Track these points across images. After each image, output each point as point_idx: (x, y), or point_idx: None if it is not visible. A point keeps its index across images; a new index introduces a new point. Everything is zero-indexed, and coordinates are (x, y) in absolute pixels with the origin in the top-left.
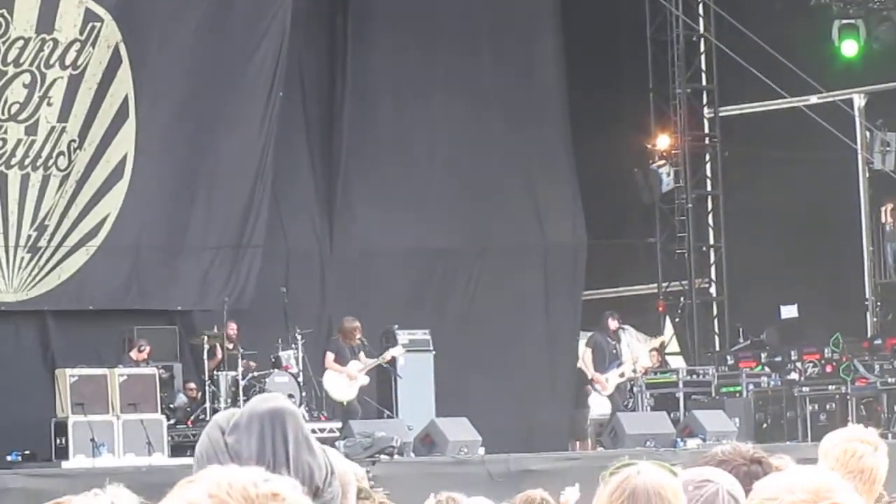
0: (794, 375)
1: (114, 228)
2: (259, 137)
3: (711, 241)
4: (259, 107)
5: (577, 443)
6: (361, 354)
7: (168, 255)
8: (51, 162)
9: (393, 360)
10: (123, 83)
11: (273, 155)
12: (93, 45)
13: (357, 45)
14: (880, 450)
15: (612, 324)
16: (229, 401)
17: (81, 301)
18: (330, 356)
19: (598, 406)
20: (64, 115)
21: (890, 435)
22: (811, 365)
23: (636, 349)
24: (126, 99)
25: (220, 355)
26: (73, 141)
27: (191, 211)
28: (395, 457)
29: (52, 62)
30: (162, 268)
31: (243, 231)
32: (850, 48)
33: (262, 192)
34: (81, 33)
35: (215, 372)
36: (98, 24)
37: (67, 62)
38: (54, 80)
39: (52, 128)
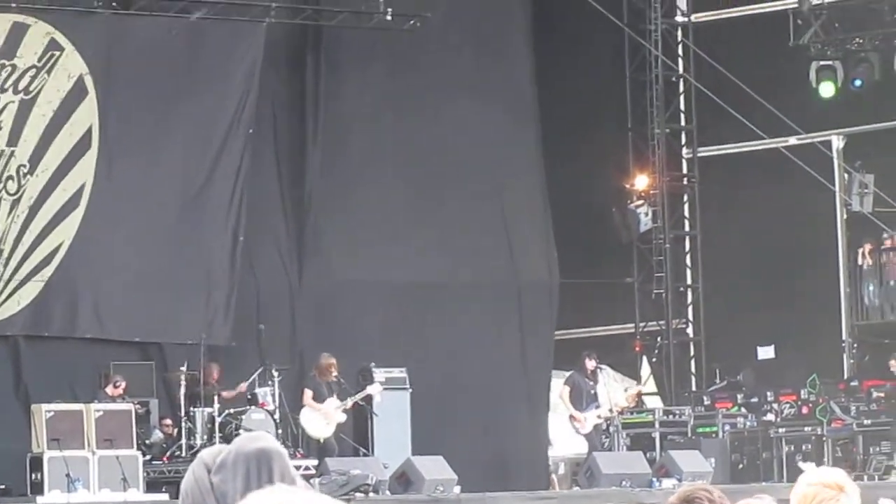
0: (770, 416)
1: (67, 256)
2: (230, 175)
3: (689, 282)
4: (230, 145)
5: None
6: (337, 392)
7: (129, 287)
8: (0, 185)
9: (369, 398)
10: (88, 114)
11: (246, 192)
12: (48, 72)
13: (327, 81)
14: (847, 492)
15: (590, 364)
16: (205, 437)
17: (38, 327)
18: (308, 393)
19: (573, 445)
20: (13, 140)
21: (866, 477)
22: (787, 406)
23: (613, 389)
24: (90, 130)
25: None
26: (24, 166)
27: (156, 245)
28: (371, 495)
29: (6, 87)
30: (121, 299)
31: (219, 267)
32: (827, 90)
33: (237, 229)
34: (39, 60)
35: (191, 408)
36: (58, 53)
37: (20, 87)
38: (6, 105)
39: (1, 151)
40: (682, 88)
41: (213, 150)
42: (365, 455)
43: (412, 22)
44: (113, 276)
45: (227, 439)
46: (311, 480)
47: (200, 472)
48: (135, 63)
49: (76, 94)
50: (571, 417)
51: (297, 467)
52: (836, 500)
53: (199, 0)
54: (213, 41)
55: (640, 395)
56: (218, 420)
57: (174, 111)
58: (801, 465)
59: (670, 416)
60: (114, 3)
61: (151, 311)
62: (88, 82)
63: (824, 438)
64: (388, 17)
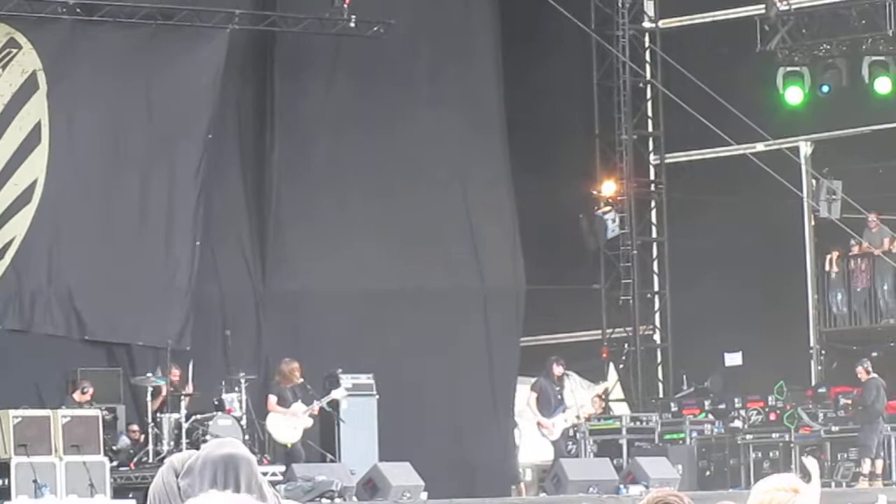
0: (737, 423)
1: (20, 251)
2: (189, 179)
3: (656, 288)
4: (189, 149)
5: (514, 487)
6: (303, 398)
7: (85, 286)
8: None
9: (335, 403)
10: (37, 109)
11: (206, 197)
12: (3, 67)
13: (288, 86)
14: (802, 493)
15: (557, 369)
16: (172, 443)
17: None
18: (272, 399)
19: (540, 451)
20: None
21: (833, 484)
22: (755, 412)
23: (580, 395)
24: (38, 125)
25: (163, 394)
26: None
27: (112, 246)
28: (336, 501)
29: None
30: (77, 297)
31: (177, 272)
32: (794, 96)
33: (195, 233)
34: None
35: (158, 414)
36: (15, 51)
37: None
38: None
39: None
40: (649, 94)
41: (171, 154)
42: (332, 461)
43: (375, 28)
44: (68, 274)
45: (193, 445)
46: (277, 486)
47: (169, 476)
48: (93, 66)
49: (27, 89)
50: (539, 424)
51: (264, 473)
52: (791, 501)
53: (163, 6)
54: (175, 47)
55: (605, 393)
56: (185, 426)
57: (133, 113)
58: (804, 460)
59: (637, 423)
60: (78, 10)
61: (106, 312)
62: (41, 78)
63: (792, 445)
64: (352, 24)
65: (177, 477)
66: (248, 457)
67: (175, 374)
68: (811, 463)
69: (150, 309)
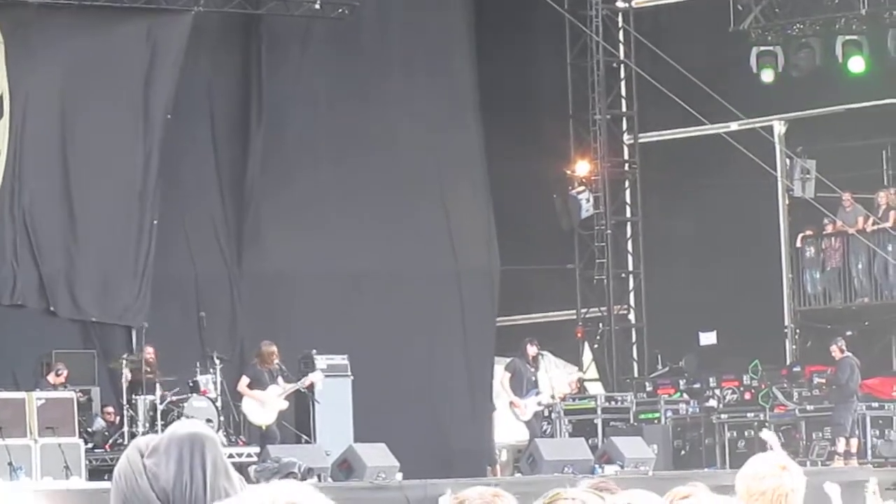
0: (712, 402)
1: None
2: (146, 156)
3: (630, 268)
4: (148, 129)
5: (490, 468)
6: (280, 379)
7: (45, 260)
8: None
9: (311, 385)
10: None
11: (159, 173)
12: None
13: (269, 69)
14: (788, 469)
15: (531, 350)
16: (147, 425)
17: None
18: (245, 380)
19: (515, 432)
20: None
21: (808, 462)
22: (730, 392)
23: (554, 375)
24: (1, 97)
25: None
26: None
27: (70, 222)
28: (309, 480)
29: None
30: (33, 272)
31: (131, 249)
32: (768, 75)
33: (152, 212)
34: None
35: (133, 396)
36: None
37: None
38: None
39: None
40: (623, 74)
41: (130, 134)
42: (307, 442)
43: (340, 10)
44: (30, 248)
45: (168, 427)
46: (249, 468)
47: (134, 455)
48: (56, 42)
49: None
50: (511, 404)
51: (240, 454)
52: (778, 477)
53: None
54: (138, 29)
55: (580, 381)
56: (160, 408)
57: (94, 93)
58: (762, 434)
59: (612, 403)
60: None
61: (68, 287)
62: (0, 52)
63: (767, 424)
64: (317, 6)
65: (142, 456)
66: (213, 436)
67: (149, 352)
68: (769, 435)
69: (107, 286)
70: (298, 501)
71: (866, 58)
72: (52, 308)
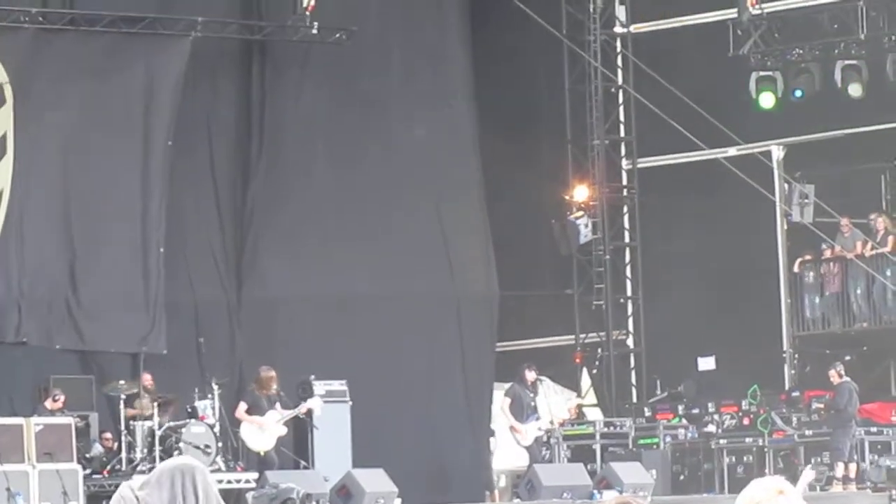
0: (711, 427)
1: None
2: (148, 183)
3: (629, 293)
4: (150, 156)
5: (488, 494)
6: (278, 404)
7: (53, 296)
8: None
9: (309, 411)
10: (4, 121)
11: (167, 203)
12: None
13: (268, 95)
14: (786, 494)
15: (530, 375)
16: (145, 450)
17: None
18: (242, 406)
19: (514, 457)
20: None
21: (807, 488)
22: (728, 417)
23: (553, 401)
24: (4, 136)
25: (136, 407)
26: None
27: (81, 256)
28: None
29: None
30: (41, 308)
31: (142, 278)
32: (767, 100)
33: (158, 241)
34: None
35: (131, 422)
36: None
37: None
38: None
39: None
40: (621, 100)
41: (133, 161)
42: (305, 468)
43: (338, 35)
44: (38, 285)
45: (166, 452)
46: (247, 494)
47: (126, 491)
48: (56, 75)
49: None
50: (512, 429)
51: (238, 480)
52: (775, 500)
53: (125, 14)
54: (138, 55)
55: (579, 407)
56: (158, 434)
57: (96, 122)
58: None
59: (611, 428)
60: (41, 19)
61: (78, 321)
62: (7, 92)
63: (766, 449)
64: (314, 31)
65: (132, 490)
66: (201, 466)
67: (147, 379)
68: (808, 473)
69: (121, 316)
70: None
71: (865, 83)
72: (59, 346)
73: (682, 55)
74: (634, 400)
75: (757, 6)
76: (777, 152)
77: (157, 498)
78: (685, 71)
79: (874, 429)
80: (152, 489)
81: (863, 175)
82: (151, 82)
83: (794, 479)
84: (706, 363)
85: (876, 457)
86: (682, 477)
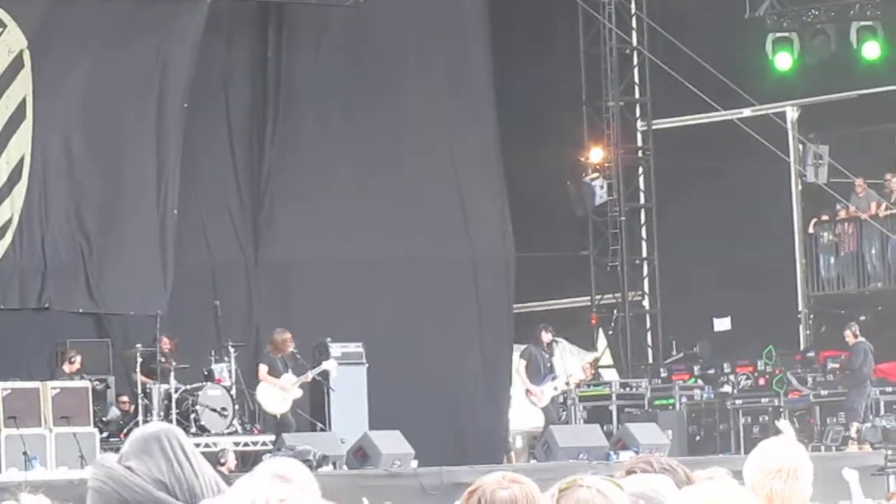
0: (727, 388)
1: (18, 230)
2: (163, 145)
3: (644, 254)
4: (167, 119)
5: (505, 455)
6: (293, 367)
7: (74, 260)
8: None
9: (326, 373)
10: (23, 86)
11: (180, 164)
12: None
13: (286, 59)
14: (794, 449)
15: (546, 336)
16: (162, 413)
17: None
18: (263, 368)
19: (530, 418)
20: None
21: (823, 447)
22: (744, 377)
23: (569, 362)
24: (24, 101)
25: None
26: None
27: (100, 220)
28: (325, 468)
29: None
30: (64, 273)
31: (159, 240)
32: (784, 61)
33: (173, 203)
34: None
35: (148, 385)
36: (1, 30)
37: None
38: None
39: None
40: (636, 61)
41: (150, 125)
42: (322, 430)
43: None
44: (60, 249)
45: (183, 415)
46: (264, 456)
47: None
48: (74, 40)
49: (14, 68)
50: (527, 391)
51: (255, 443)
52: (790, 454)
53: None
54: (155, 19)
55: (595, 362)
56: (175, 396)
57: (113, 86)
58: (779, 424)
59: (627, 389)
60: None
61: (100, 284)
62: (26, 57)
63: (781, 409)
64: None
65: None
66: (176, 428)
67: (165, 343)
68: (785, 425)
69: (138, 279)
70: (289, 498)
71: (881, 42)
72: (83, 310)
73: (697, 17)
74: (650, 361)
75: None
76: (791, 113)
77: (154, 466)
78: (700, 32)
79: (889, 388)
80: (142, 458)
81: (877, 136)
82: (168, 46)
83: (810, 438)
84: (721, 324)
85: (872, 417)
86: (697, 437)
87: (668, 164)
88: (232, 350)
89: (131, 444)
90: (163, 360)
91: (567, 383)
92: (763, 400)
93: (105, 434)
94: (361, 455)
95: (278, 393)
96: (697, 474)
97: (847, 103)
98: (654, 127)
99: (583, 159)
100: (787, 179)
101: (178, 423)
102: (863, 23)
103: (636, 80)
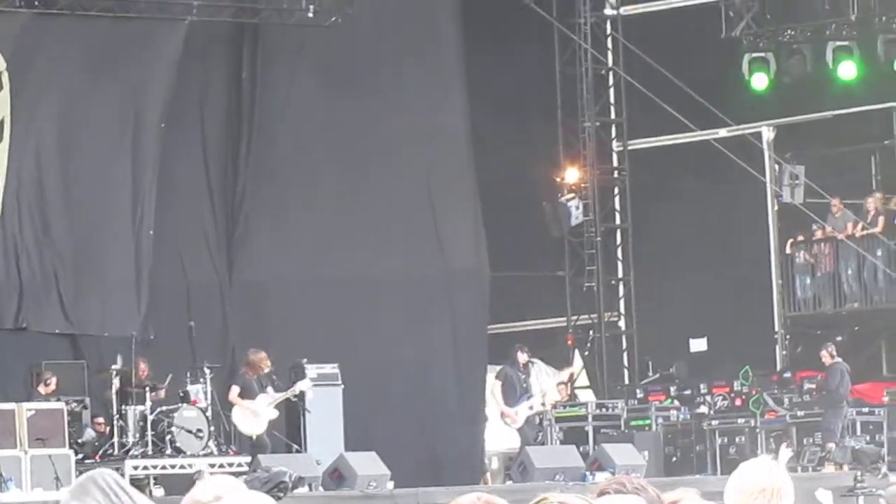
0: (703, 409)
1: None
2: (139, 166)
3: (620, 275)
4: (145, 140)
5: (481, 476)
6: (269, 388)
7: (48, 281)
8: None
9: (301, 394)
10: (1, 107)
11: (156, 186)
12: None
13: (261, 78)
14: (774, 469)
15: (522, 357)
16: (137, 435)
17: None
18: (235, 390)
19: (506, 439)
20: None
21: (800, 468)
22: (720, 398)
23: (545, 382)
24: (2, 122)
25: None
26: None
27: (75, 241)
28: (301, 490)
29: None
30: (38, 293)
31: (135, 262)
32: (760, 82)
33: (150, 224)
34: None
35: (123, 406)
36: None
37: None
38: None
39: None
40: (611, 81)
41: (128, 145)
42: (298, 451)
43: (334, 18)
44: (36, 269)
45: (159, 437)
46: (239, 478)
47: None
48: (52, 59)
49: None
50: (502, 413)
51: (230, 464)
52: (770, 475)
53: None
54: (133, 38)
55: (571, 377)
56: (150, 418)
57: (91, 106)
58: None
59: (603, 410)
60: (36, 3)
61: (73, 305)
62: (5, 79)
63: (758, 430)
64: (310, 14)
65: None
66: (109, 471)
67: (143, 368)
68: (784, 453)
69: (114, 300)
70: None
71: (857, 63)
72: (59, 331)
73: (673, 37)
74: (626, 381)
75: None
76: (767, 133)
77: (93, 502)
78: (676, 53)
79: (865, 409)
80: (81, 499)
81: (854, 156)
82: (147, 66)
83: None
84: (698, 344)
85: (846, 439)
86: (674, 458)
87: (644, 184)
88: (207, 371)
89: (70, 492)
90: (138, 384)
91: (543, 403)
92: (739, 420)
93: (80, 456)
94: (337, 476)
95: (253, 414)
96: (666, 496)
97: (823, 123)
98: (629, 147)
99: (558, 179)
100: (763, 200)
101: (154, 444)
102: (839, 43)
103: (612, 100)
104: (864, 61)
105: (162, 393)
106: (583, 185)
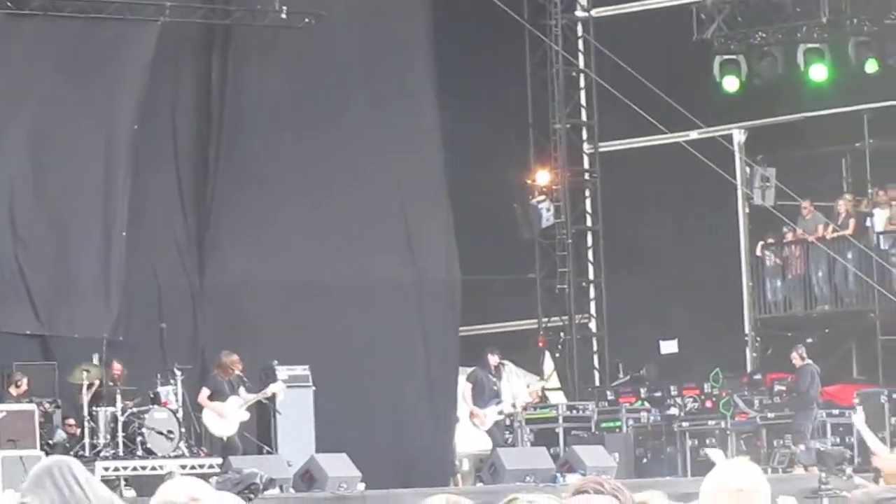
0: (673, 410)
1: None
2: (112, 168)
3: (591, 277)
4: (117, 141)
5: (451, 478)
6: (241, 389)
7: (16, 281)
8: None
9: (272, 396)
10: None
11: (129, 187)
12: None
13: (233, 80)
14: (754, 470)
15: (493, 360)
16: (108, 436)
17: None
18: (205, 392)
19: (477, 441)
20: None
21: (770, 470)
22: (691, 400)
23: (516, 385)
24: None
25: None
26: None
27: (45, 241)
28: (272, 492)
29: None
30: (11, 294)
31: (106, 263)
32: (731, 84)
33: (122, 225)
34: None
35: (94, 408)
36: None
37: None
38: None
39: None
40: (582, 83)
41: (101, 146)
42: (269, 453)
43: (307, 20)
44: (5, 269)
45: (130, 438)
46: (210, 480)
47: None
48: (25, 60)
49: None
50: (472, 415)
51: (201, 466)
52: (748, 475)
53: (94, 1)
54: (106, 40)
55: (542, 391)
56: (121, 419)
57: (63, 107)
58: (708, 451)
59: (574, 412)
60: (9, 3)
61: (43, 306)
62: None
63: (728, 432)
64: (283, 16)
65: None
66: (70, 459)
67: (117, 368)
68: (715, 453)
69: (84, 301)
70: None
71: (828, 65)
72: (29, 332)
73: (645, 39)
74: (597, 383)
75: None
76: (738, 136)
77: (47, 498)
78: (647, 55)
79: (836, 411)
80: (36, 493)
81: (825, 158)
82: (119, 67)
83: (756, 461)
84: (668, 346)
85: (809, 441)
86: (644, 460)
87: (615, 186)
88: (178, 373)
89: (28, 481)
90: (111, 383)
91: (513, 405)
92: (710, 422)
93: None
94: (308, 478)
95: (224, 416)
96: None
97: (794, 126)
98: (600, 149)
99: (529, 182)
100: (733, 202)
101: (125, 445)
102: (810, 45)
103: (583, 102)
104: (835, 64)
105: (130, 404)
106: (554, 187)
